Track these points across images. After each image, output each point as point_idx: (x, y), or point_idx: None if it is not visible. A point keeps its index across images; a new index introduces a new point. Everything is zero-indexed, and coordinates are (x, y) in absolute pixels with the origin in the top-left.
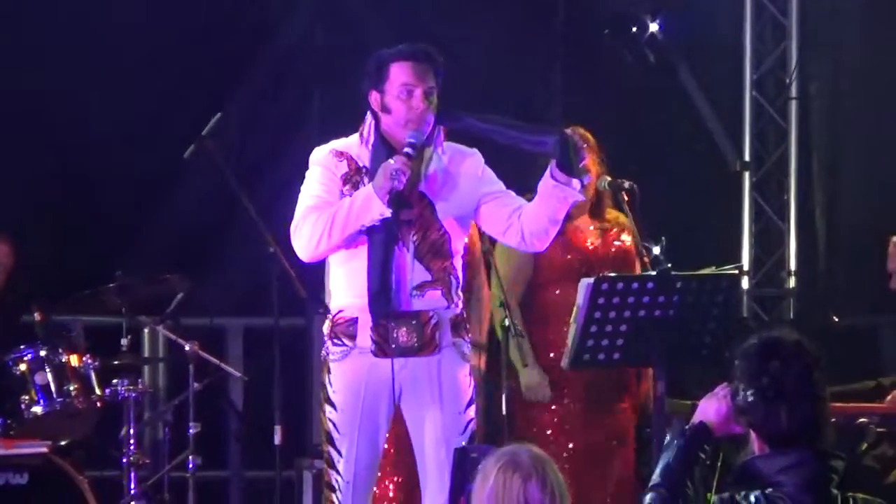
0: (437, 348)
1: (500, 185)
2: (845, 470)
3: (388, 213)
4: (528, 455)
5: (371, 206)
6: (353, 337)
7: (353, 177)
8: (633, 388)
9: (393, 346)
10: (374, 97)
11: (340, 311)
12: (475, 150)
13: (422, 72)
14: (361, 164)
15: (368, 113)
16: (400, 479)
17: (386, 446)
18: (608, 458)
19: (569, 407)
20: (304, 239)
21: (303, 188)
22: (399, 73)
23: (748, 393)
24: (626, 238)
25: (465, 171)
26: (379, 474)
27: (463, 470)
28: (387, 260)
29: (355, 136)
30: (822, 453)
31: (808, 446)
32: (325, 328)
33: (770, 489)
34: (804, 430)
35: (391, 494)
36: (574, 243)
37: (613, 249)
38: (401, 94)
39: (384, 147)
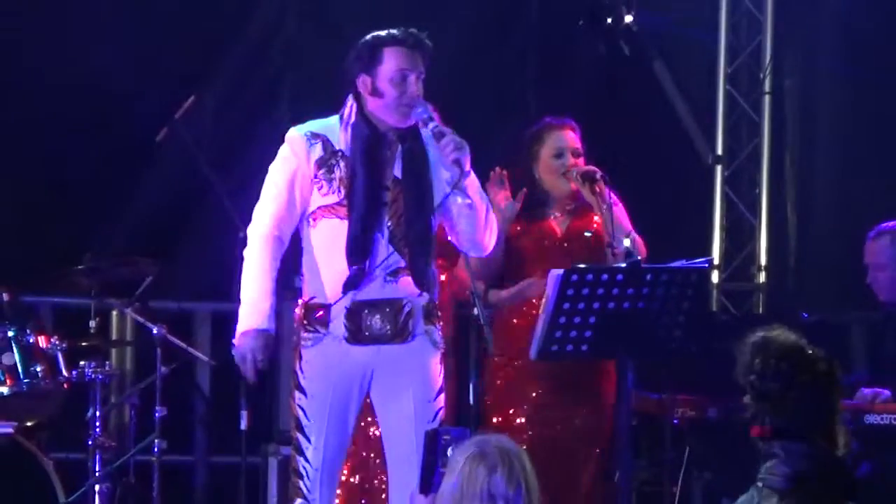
0: (410, 336)
1: None
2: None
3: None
4: (495, 446)
5: (242, 325)
6: (326, 324)
7: (329, 160)
8: (605, 386)
9: (367, 333)
10: (362, 80)
11: (314, 297)
12: None
13: (415, 57)
14: (338, 148)
15: (350, 95)
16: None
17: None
18: (582, 452)
19: (540, 398)
20: (252, 230)
21: (272, 167)
22: (393, 58)
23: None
24: (596, 219)
25: (436, 158)
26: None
27: (434, 452)
28: (366, 244)
29: (335, 118)
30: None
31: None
32: (298, 314)
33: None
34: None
35: None
36: (542, 230)
37: (577, 234)
38: (395, 78)
39: (367, 128)
